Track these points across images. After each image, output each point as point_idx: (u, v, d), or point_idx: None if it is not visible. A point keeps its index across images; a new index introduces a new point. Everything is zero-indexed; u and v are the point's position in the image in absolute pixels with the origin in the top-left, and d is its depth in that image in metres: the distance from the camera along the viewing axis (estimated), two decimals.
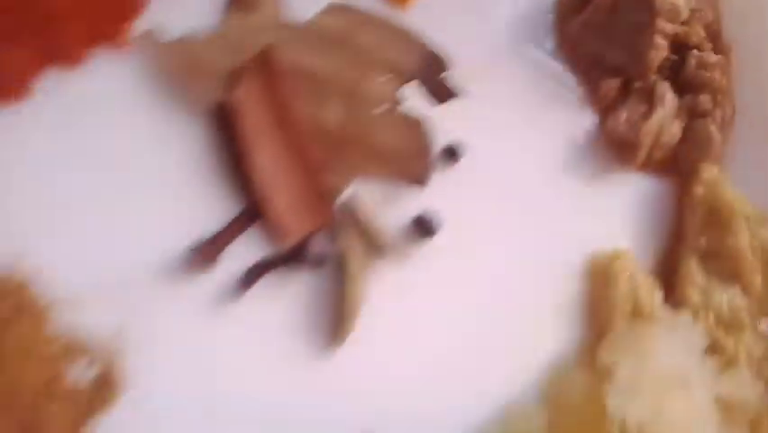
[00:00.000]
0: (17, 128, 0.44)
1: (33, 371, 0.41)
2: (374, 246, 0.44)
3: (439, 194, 0.46)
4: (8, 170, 0.43)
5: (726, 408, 0.42)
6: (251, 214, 0.44)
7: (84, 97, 0.45)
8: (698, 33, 0.47)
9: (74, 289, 0.42)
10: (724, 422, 0.42)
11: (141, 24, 0.46)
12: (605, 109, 0.48)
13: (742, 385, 0.42)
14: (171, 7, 0.46)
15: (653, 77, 0.47)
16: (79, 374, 0.42)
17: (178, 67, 0.45)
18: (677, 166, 0.48)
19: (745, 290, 0.44)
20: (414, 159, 0.45)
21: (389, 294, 0.44)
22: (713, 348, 0.43)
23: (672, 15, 0.45)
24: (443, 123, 0.46)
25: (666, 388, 0.40)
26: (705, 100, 0.46)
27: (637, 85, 0.47)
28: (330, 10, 0.46)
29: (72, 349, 0.42)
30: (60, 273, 0.42)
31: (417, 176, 0.45)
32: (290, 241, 0.43)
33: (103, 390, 0.42)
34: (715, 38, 0.48)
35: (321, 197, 0.44)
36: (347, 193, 0.45)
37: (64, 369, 0.41)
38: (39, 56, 0.44)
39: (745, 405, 0.42)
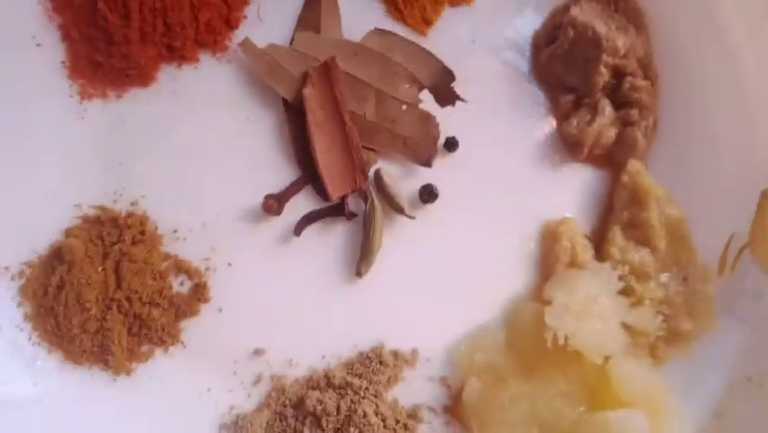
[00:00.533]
0: (145, 104, 0.45)
1: (148, 282, 0.42)
2: (392, 205, 0.45)
3: (440, 172, 0.46)
4: (135, 134, 0.44)
5: (632, 333, 0.43)
6: (309, 177, 0.45)
7: (194, 86, 0.46)
8: (632, 65, 0.46)
9: (181, 224, 0.44)
10: (630, 344, 0.42)
11: (239, 35, 0.46)
12: (562, 117, 0.47)
13: (644, 319, 0.43)
14: (261, 24, 0.46)
15: (598, 95, 0.46)
16: (179, 286, 0.44)
17: (264, 69, 0.45)
18: (611, 160, 0.47)
19: (653, 251, 0.44)
20: (424, 145, 0.46)
21: (401, 240, 0.45)
22: (626, 291, 0.43)
23: (613, 52, 0.45)
24: (447, 120, 0.46)
25: (588, 314, 0.41)
26: (634, 113, 0.46)
27: (586, 100, 0.47)
28: (373, 34, 0.46)
29: (175, 267, 0.44)
30: (171, 213, 0.44)
31: (426, 158, 0.46)
32: (334, 198, 0.44)
33: (195, 298, 0.44)
34: (645, 68, 0.47)
35: (357, 168, 0.45)
36: (376, 167, 0.46)
37: (169, 281, 0.43)
38: (163, 54, 0.45)
39: (646, 333, 0.43)
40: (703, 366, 0.43)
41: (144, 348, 0.42)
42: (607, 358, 0.41)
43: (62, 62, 0.44)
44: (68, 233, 0.42)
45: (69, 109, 0.44)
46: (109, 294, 0.41)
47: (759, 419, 0.39)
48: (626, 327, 0.43)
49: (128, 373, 0.41)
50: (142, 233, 0.43)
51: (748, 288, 0.43)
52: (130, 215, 0.43)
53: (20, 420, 0.38)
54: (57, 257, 0.41)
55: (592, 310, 0.41)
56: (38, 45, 0.44)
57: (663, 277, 0.45)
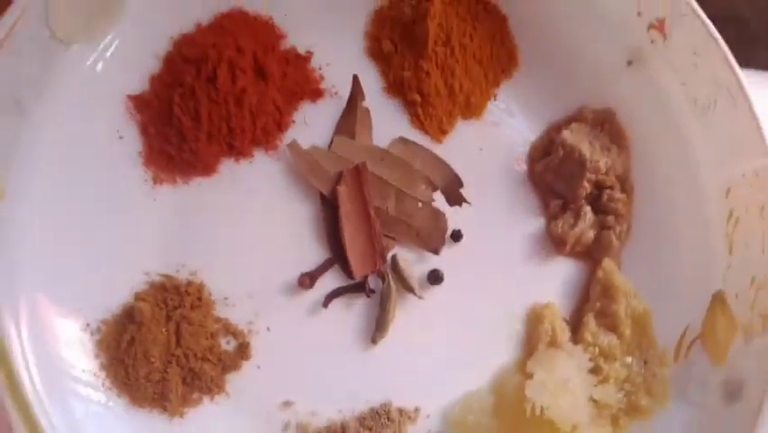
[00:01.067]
0: (207, 190, 0.50)
1: (202, 341, 0.47)
2: (405, 286, 0.49)
3: (446, 259, 0.51)
4: (198, 215, 0.49)
5: (597, 406, 0.47)
6: (337, 259, 0.50)
7: (249, 177, 0.50)
8: (611, 180, 0.51)
9: (231, 293, 0.49)
10: (596, 414, 0.47)
11: (287, 137, 0.51)
12: (551, 218, 0.52)
13: (609, 394, 0.47)
14: (306, 128, 0.51)
15: (581, 202, 0.51)
16: (226, 345, 0.48)
17: (306, 167, 0.50)
18: (590, 257, 0.52)
19: (619, 337, 0.48)
20: (434, 237, 0.50)
21: (411, 315, 0.49)
22: (594, 370, 0.47)
23: (595, 170, 0.50)
24: (455, 216, 0.51)
25: (562, 391, 0.45)
26: (610, 220, 0.50)
27: (571, 206, 0.51)
28: (397, 142, 0.51)
29: (224, 329, 0.48)
30: (223, 283, 0.49)
31: (435, 247, 0.50)
32: (357, 277, 0.49)
33: (238, 356, 0.48)
34: (623, 182, 0.51)
35: (377, 253, 0.49)
36: (393, 252, 0.50)
37: (219, 340, 0.47)
38: (224, 150, 0.50)
39: (610, 406, 0.47)
40: None
41: (195, 396, 0.46)
42: (575, 426, 0.45)
43: (139, 152, 0.49)
44: (138, 296, 0.46)
45: (144, 192, 0.48)
46: (170, 351, 0.46)
47: None
48: (593, 400, 0.47)
49: (181, 416, 0.46)
50: (199, 299, 0.47)
51: (697, 375, 0.47)
52: (190, 283, 0.47)
53: None
54: (128, 317, 0.46)
55: (566, 388, 0.45)
56: (120, 138, 0.49)
57: (627, 359, 0.48)
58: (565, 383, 0.45)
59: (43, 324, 0.45)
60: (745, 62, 0.65)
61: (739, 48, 0.67)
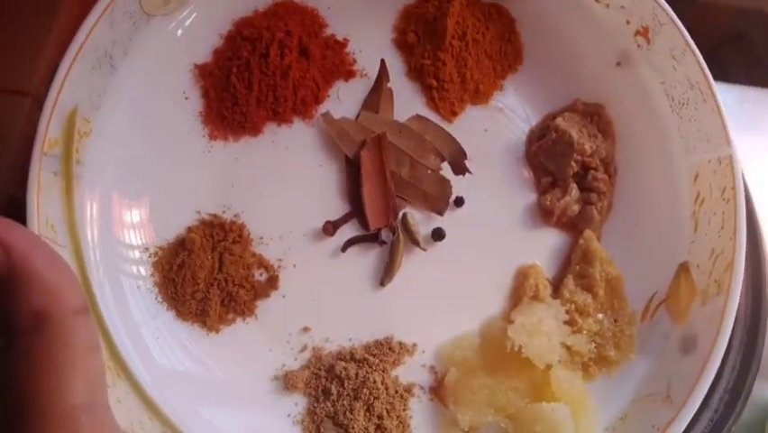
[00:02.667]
0: (253, 148, 0.54)
1: (240, 270, 0.51)
2: (412, 240, 0.53)
3: (449, 220, 0.55)
4: (244, 168, 0.54)
5: (570, 353, 0.51)
6: (356, 212, 0.54)
7: (287, 139, 0.55)
8: (596, 161, 0.54)
9: (265, 234, 0.53)
10: (568, 360, 0.51)
11: (322, 108, 0.55)
12: (541, 192, 0.56)
13: (581, 343, 0.51)
14: (339, 102, 0.56)
15: (568, 180, 0.54)
16: (259, 276, 0.52)
17: (336, 134, 0.54)
18: (574, 227, 0.55)
19: (594, 297, 0.52)
20: (440, 200, 0.54)
21: (415, 265, 0.53)
22: (570, 322, 0.51)
23: (581, 151, 0.53)
24: (458, 184, 0.55)
25: (537, 333, 0.49)
26: (593, 196, 0.54)
27: (560, 183, 0.55)
28: (414, 118, 0.55)
29: (258, 263, 0.52)
30: (261, 225, 0.53)
31: (440, 209, 0.54)
32: (372, 229, 0.53)
33: (268, 286, 0.52)
34: (607, 165, 0.55)
35: (391, 210, 0.53)
36: (404, 210, 0.54)
37: (253, 271, 0.52)
38: (269, 116, 0.54)
39: (581, 354, 0.51)
40: (618, 383, 0.51)
41: (230, 316, 0.51)
42: (549, 366, 0.50)
43: (200, 112, 0.55)
44: (190, 229, 0.52)
45: (201, 146, 0.54)
46: (213, 275, 0.51)
47: (648, 423, 0.48)
48: (566, 346, 0.51)
49: (217, 331, 0.51)
50: (240, 236, 0.52)
51: (659, 332, 0.52)
52: (233, 222, 0.52)
53: (145, 350, 0.49)
54: (181, 245, 0.51)
55: (541, 330, 0.49)
56: (186, 98, 0.55)
57: (599, 316, 0.52)
58: (541, 327, 0.50)
59: (111, 245, 0.51)
60: (749, 80, 0.69)
61: (743, 66, 0.70)
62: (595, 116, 0.57)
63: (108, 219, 0.52)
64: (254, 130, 0.55)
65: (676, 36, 0.53)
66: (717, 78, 0.50)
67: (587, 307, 0.53)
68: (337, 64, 0.57)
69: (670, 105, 0.55)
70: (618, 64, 0.57)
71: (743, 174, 0.51)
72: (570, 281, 0.54)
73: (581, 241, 0.54)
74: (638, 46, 0.56)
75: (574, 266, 0.54)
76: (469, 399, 0.50)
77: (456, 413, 0.49)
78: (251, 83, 0.55)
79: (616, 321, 0.53)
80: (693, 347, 0.49)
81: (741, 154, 0.53)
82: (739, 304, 0.55)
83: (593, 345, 0.52)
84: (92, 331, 0.36)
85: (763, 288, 0.60)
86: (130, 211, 0.53)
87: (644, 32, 0.55)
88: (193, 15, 0.55)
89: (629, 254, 0.55)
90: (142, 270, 0.52)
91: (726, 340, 0.48)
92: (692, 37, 0.52)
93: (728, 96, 0.65)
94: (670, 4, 0.53)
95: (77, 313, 0.33)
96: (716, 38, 0.69)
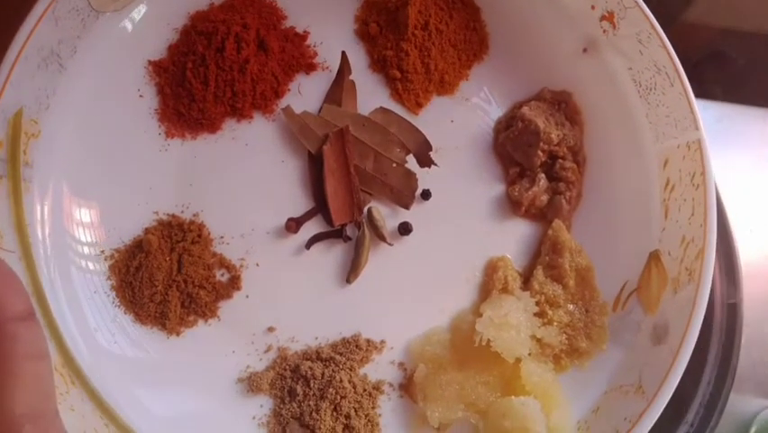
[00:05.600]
0: (211, 145, 0.53)
1: (200, 271, 0.50)
2: (378, 234, 0.52)
3: (415, 214, 0.53)
4: (202, 166, 0.52)
5: (541, 345, 0.50)
6: (320, 208, 0.52)
7: (247, 135, 0.53)
8: (563, 151, 0.53)
9: (226, 233, 0.51)
10: (540, 353, 0.49)
11: (283, 102, 0.54)
12: (509, 183, 0.54)
13: (552, 335, 0.49)
14: (300, 96, 0.54)
15: (537, 170, 0.53)
16: (220, 276, 0.51)
17: (298, 129, 0.53)
18: (543, 218, 0.54)
19: (564, 287, 0.51)
20: (406, 194, 0.53)
21: (381, 260, 0.52)
22: (540, 314, 0.50)
23: (548, 140, 0.52)
24: (425, 177, 0.54)
25: (506, 326, 0.47)
26: (562, 186, 0.53)
27: (528, 173, 0.54)
28: (378, 111, 0.54)
29: (219, 263, 0.51)
30: (221, 224, 0.51)
31: (406, 203, 0.53)
32: (336, 225, 0.52)
33: (230, 286, 0.51)
34: (575, 153, 0.54)
35: (355, 205, 0.52)
36: (369, 205, 0.53)
37: (214, 272, 0.50)
38: (228, 111, 0.53)
39: (552, 346, 0.50)
40: (591, 374, 0.50)
41: (191, 318, 0.50)
42: (519, 360, 0.48)
43: (155, 110, 0.53)
44: (147, 231, 0.50)
45: (157, 144, 0.52)
46: (172, 276, 0.49)
47: (621, 415, 0.46)
48: (537, 339, 0.49)
49: (178, 334, 0.49)
50: (199, 236, 0.50)
51: (631, 322, 0.50)
52: (192, 222, 0.50)
53: (100, 359, 0.47)
54: (138, 247, 0.50)
55: (509, 323, 0.48)
56: (140, 96, 0.53)
57: (570, 307, 0.51)
58: (509, 320, 0.48)
59: (65, 250, 0.49)
60: (728, 97, 0.69)
61: (725, 83, 0.70)
62: (562, 104, 0.56)
63: (60, 222, 0.49)
64: (212, 127, 0.53)
65: (641, 20, 0.51)
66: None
67: (557, 298, 0.52)
68: (297, 57, 0.55)
69: (637, 90, 0.53)
70: (585, 51, 0.55)
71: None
72: (539, 273, 0.52)
73: (550, 231, 0.53)
74: (604, 31, 0.54)
75: (544, 257, 0.53)
76: (438, 394, 0.48)
77: (426, 410, 0.48)
78: (207, 79, 0.53)
79: (587, 312, 0.52)
80: (665, 337, 0.48)
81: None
82: (714, 319, 0.57)
83: (564, 336, 0.51)
84: (37, 338, 0.35)
85: (737, 303, 0.59)
86: (83, 213, 0.50)
87: (609, 17, 0.53)
88: (145, 10, 0.53)
89: (600, 244, 0.54)
90: (98, 273, 0.50)
91: (698, 328, 0.46)
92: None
93: (708, 113, 0.68)
94: None
95: (19, 320, 0.32)
96: (696, 56, 0.70)
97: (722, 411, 0.55)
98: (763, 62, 0.72)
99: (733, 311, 0.59)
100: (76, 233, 0.50)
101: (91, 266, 0.50)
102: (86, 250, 0.50)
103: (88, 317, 0.48)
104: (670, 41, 0.51)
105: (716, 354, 0.57)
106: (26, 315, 0.34)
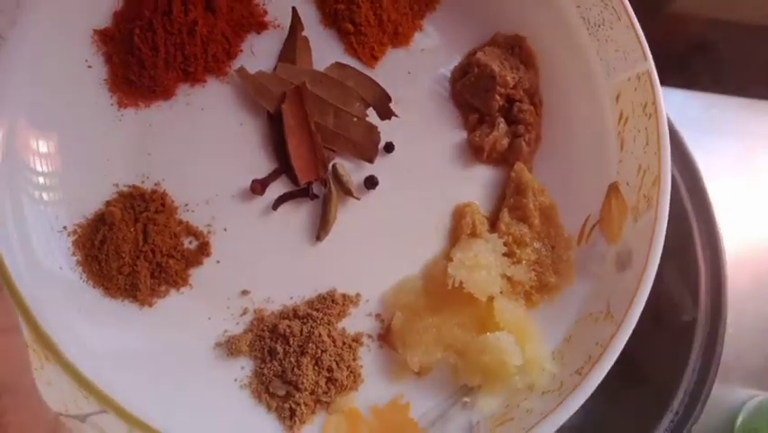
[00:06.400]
0: (166, 112, 0.51)
1: (167, 240, 0.49)
2: (344, 190, 0.52)
3: (380, 167, 0.53)
4: (159, 134, 0.51)
5: (512, 283, 0.50)
6: (284, 168, 0.52)
7: (202, 100, 0.52)
8: (519, 93, 0.54)
9: (190, 200, 0.51)
10: (510, 291, 0.50)
11: (236, 64, 0.53)
12: (470, 129, 0.55)
13: (521, 273, 0.50)
14: (253, 57, 0.54)
15: (495, 114, 0.54)
16: (188, 244, 0.50)
17: (254, 89, 0.52)
18: (505, 161, 0.55)
19: (530, 227, 0.52)
20: (369, 148, 0.53)
21: (350, 215, 0.52)
22: (509, 254, 0.51)
23: (504, 84, 0.53)
24: (387, 130, 0.54)
25: (477, 267, 0.48)
26: (521, 129, 0.54)
27: (487, 118, 0.54)
28: (334, 66, 0.54)
29: (186, 230, 0.50)
30: (184, 191, 0.51)
31: (370, 157, 0.53)
32: (302, 184, 0.51)
33: (200, 253, 0.50)
34: (531, 96, 0.55)
35: (319, 162, 0.52)
36: (333, 162, 0.53)
37: (182, 240, 0.50)
38: (180, 77, 0.52)
39: (522, 283, 0.50)
40: (561, 306, 0.51)
41: (162, 288, 0.49)
42: (491, 298, 0.49)
43: (105, 80, 0.51)
44: (108, 204, 0.49)
45: (110, 115, 0.51)
46: (138, 247, 0.48)
47: (592, 341, 0.47)
48: (507, 278, 0.50)
49: (150, 305, 0.48)
50: (163, 205, 0.49)
51: (596, 253, 0.51)
52: (154, 192, 0.50)
53: (71, 335, 0.46)
54: (101, 220, 0.48)
55: (480, 263, 0.48)
56: (89, 67, 0.51)
57: (537, 245, 0.52)
58: (479, 261, 0.49)
59: (26, 231, 0.47)
60: (717, 88, 0.70)
61: (710, 74, 0.71)
62: (516, 48, 0.57)
63: (17, 200, 0.47)
64: (166, 93, 0.52)
65: None
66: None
67: (524, 237, 0.52)
68: (246, 16, 0.54)
69: (587, 28, 0.54)
70: None
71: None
72: (505, 214, 0.53)
73: (513, 174, 0.54)
74: None
75: (509, 199, 0.54)
76: (417, 340, 0.49)
77: (406, 356, 0.49)
78: (156, 44, 0.51)
79: (553, 248, 0.53)
80: (629, 263, 0.49)
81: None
82: (699, 308, 0.57)
83: (533, 273, 0.52)
84: (5, 312, 0.34)
85: (721, 292, 0.60)
86: (40, 190, 0.49)
87: None
88: None
89: (560, 181, 0.55)
90: (63, 249, 0.49)
91: (659, 252, 0.48)
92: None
93: (695, 102, 0.69)
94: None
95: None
96: (684, 47, 0.71)
97: (706, 400, 0.56)
98: (749, 53, 0.73)
99: (717, 300, 0.60)
100: (37, 210, 0.48)
101: (55, 245, 0.48)
102: (49, 230, 0.48)
103: (57, 293, 0.47)
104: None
105: (700, 343, 0.58)
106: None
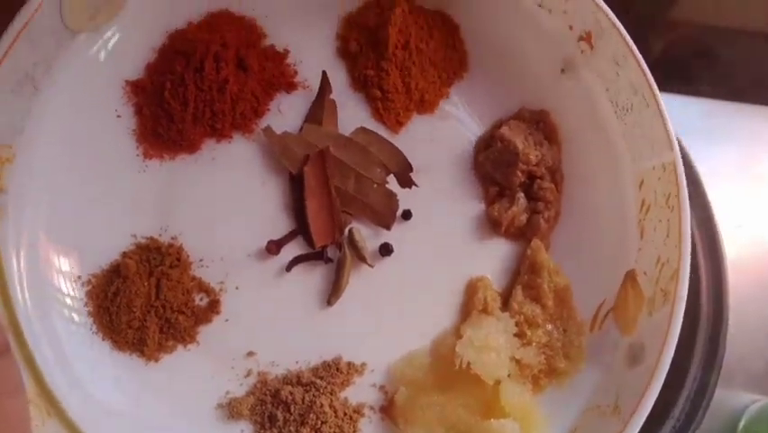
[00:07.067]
0: (190, 166, 0.52)
1: (179, 296, 0.49)
2: (359, 256, 0.51)
3: (396, 235, 0.53)
4: (181, 187, 0.51)
5: (520, 366, 0.49)
6: (301, 230, 0.52)
7: (227, 156, 0.53)
8: (541, 171, 0.53)
9: (205, 256, 0.51)
10: (519, 374, 0.49)
11: (263, 122, 0.53)
12: (489, 202, 0.54)
13: (530, 356, 0.49)
14: (280, 116, 0.54)
15: (516, 190, 0.53)
16: (199, 300, 0.50)
17: (278, 149, 0.52)
18: (522, 236, 0.54)
19: (542, 307, 0.51)
20: (386, 214, 0.52)
21: (362, 282, 0.52)
22: (519, 335, 0.50)
23: (527, 161, 0.52)
24: (406, 197, 0.53)
25: (486, 348, 0.47)
26: (540, 206, 0.53)
27: (507, 192, 0.54)
28: (359, 130, 0.54)
29: (198, 287, 0.50)
30: (200, 247, 0.51)
31: (387, 224, 0.52)
32: (317, 247, 0.51)
33: (209, 310, 0.50)
34: (553, 173, 0.54)
35: (336, 226, 0.51)
36: (350, 226, 0.53)
37: (193, 296, 0.50)
38: (207, 132, 0.52)
39: (531, 366, 0.49)
40: (569, 393, 0.50)
41: (170, 343, 0.49)
42: (498, 381, 0.48)
43: (133, 130, 0.52)
44: (125, 255, 0.49)
45: (135, 165, 0.51)
46: (150, 302, 0.48)
47: None
48: (516, 360, 0.49)
49: (156, 360, 0.48)
50: (178, 259, 0.49)
51: (608, 342, 0.50)
52: (171, 245, 0.50)
53: (75, 389, 0.46)
54: (115, 272, 0.49)
55: (489, 345, 0.47)
56: (118, 116, 0.52)
57: (548, 327, 0.51)
58: (489, 342, 0.48)
59: (40, 276, 0.48)
60: (717, 94, 0.70)
61: (712, 80, 0.71)
62: (541, 123, 0.56)
63: (36, 248, 0.48)
64: (191, 147, 0.53)
65: (618, 41, 0.51)
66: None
67: (536, 318, 0.51)
68: (277, 76, 0.55)
69: (614, 111, 0.53)
70: (563, 71, 0.55)
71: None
72: (518, 293, 0.52)
73: (529, 251, 0.53)
74: (582, 52, 0.54)
75: (523, 276, 0.53)
76: (419, 417, 0.48)
77: (407, 432, 0.48)
78: (186, 99, 0.52)
79: (565, 331, 0.51)
80: (641, 358, 0.48)
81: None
82: (700, 314, 0.56)
83: (543, 356, 0.50)
84: (11, 374, 0.34)
85: (723, 297, 0.59)
86: (60, 238, 0.49)
87: (587, 38, 0.53)
88: (122, 29, 0.52)
89: (577, 263, 0.53)
90: (76, 299, 0.49)
91: (672, 352, 0.46)
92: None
93: (695, 109, 0.69)
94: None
95: None
96: (685, 53, 0.70)
97: (708, 406, 0.54)
98: (749, 59, 0.72)
99: (719, 305, 0.59)
100: (53, 259, 0.49)
101: (68, 292, 0.49)
102: (63, 277, 0.49)
103: (66, 345, 0.47)
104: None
105: (702, 349, 0.57)
106: (1, 351, 0.33)
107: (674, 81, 0.66)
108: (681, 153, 0.56)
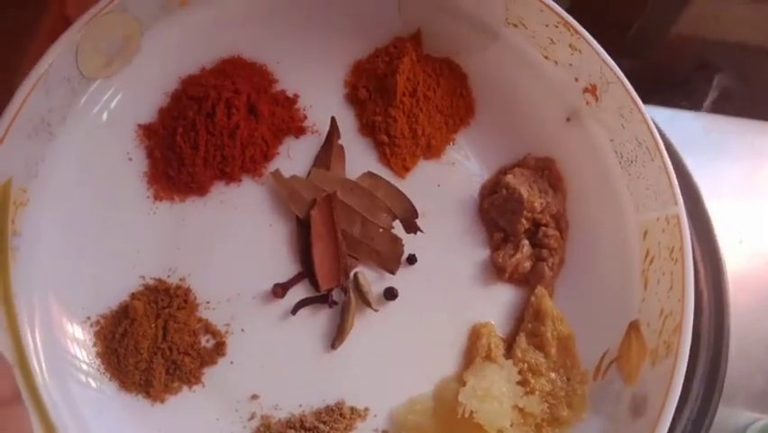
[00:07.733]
0: (199, 208, 0.52)
1: (185, 338, 0.49)
2: (363, 300, 0.51)
3: (401, 279, 0.53)
4: (190, 229, 0.52)
5: (523, 414, 0.49)
6: (307, 273, 0.52)
7: (236, 199, 0.53)
8: (546, 218, 0.53)
9: (212, 298, 0.51)
10: (521, 423, 0.49)
11: (272, 166, 0.54)
12: (494, 248, 0.54)
13: (533, 405, 0.49)
14: (289, 160, 0.55)
15: (520, 237, 0.53)
16: (205, 342, 0.50)
17: (286, 192, 0.52)
18: (526, 282, 0.54)
19: (546, 355, 0.51)
20: (392, 259, 0.53)
21: (367, 326, 0.52)
22: (522, 383, 0.50)
23: (532, 208, 0.53)
24: (411, 242, 0.53)
25: (489, 397, 0.47)
26: (545, 253, 0.53)
27: (511, 239, 0.54)
28: (366, 175, 0.54)
29: (204, 329, 0.50)
30: (207, 289, 0.51)
31: (392, 268, 0.53)
32: (323, 290, 0.51)
33: (215, 352, 0.50)
34: (558, 220, 0.54)
35: (342, 270, 0.52)
36: (355, 270, 0.53)
37: (199, 338, 0.50)
38: (217, 175, 0.53)
39: (534, 415, 0.49)
40: None
41: (176, 384, 0.49)
42: (500, 431, 0.48)
43: (144, 173, 0.53)
44: (133, 296, 0.50)
45: (145, 206, 0.52)
46: (157, 344, 0.49)
47: None
48: (519, 409, 0.49)
49: (162, 401, 0.49)
50: (185, 301, 0.50)
51: (611, 392, 0.50)
52: (178, 287, 0.50)
53: (84, 425, 0.47)
54: (124, 313, 0.49)
55: (492, 394, 0.48)
56: (129, 159, 0.53)
57: (552, 375, 0.50)
58: (492, 391, 0.48)
59: (51, 317, 0.49)
60: (719, 109, 0.70)
61: (714, 95, 0.72)
62: (546, 171, 0.56)
63: (47, 290, 0.49)
64: (201, 190, 0.53)
65: (623, 95, 0.52)
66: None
67: (539, 366, 0.51)
68: (287, 121, 0.55)
69: (619, 161, 0.53)
70: (568, 120, 0.56)
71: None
72: (522, 340, 0.52)
73: (533, 299, 0.53)
74: (587, 103, 0.54)
75: (527, 324, 0.53)
76: None
77: None
78: (197, 143, 0.53)
79: (568, 380, 0.51)
80: (643, 410, 0.48)
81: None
82: (702, 331, 0.56)
83: (546, 405, 0.50)
84: (21, 423, 0.34)
85: (724, 313, 0.59)
86: (71, 279, 0.50)
87: (592, 90, 0.54)
88: (137, 76, 0.53)
89: (581, 310, 0.53)
90: (84, 341, 0.50)
91: (675, 404, 0.46)
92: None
93: (697, 124, 0.68)
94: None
95: (4, 405, 0.31)
96: (686, 68, 0.70)
97: (710, 425, 0.54)
98: (751, 74, 0.72)
99: (720, 321, 0.59)
100: (63, 301, 0.49)
101: (78, 335, 0.49)
102: (73, 318, 0.49)
103: (73, 387, 0.48)
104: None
105: (703, 368, 0.57)
106: (11, 399, 0.33)
107: (676, 96, 0.66)
108: (681, 167, 0.57)
